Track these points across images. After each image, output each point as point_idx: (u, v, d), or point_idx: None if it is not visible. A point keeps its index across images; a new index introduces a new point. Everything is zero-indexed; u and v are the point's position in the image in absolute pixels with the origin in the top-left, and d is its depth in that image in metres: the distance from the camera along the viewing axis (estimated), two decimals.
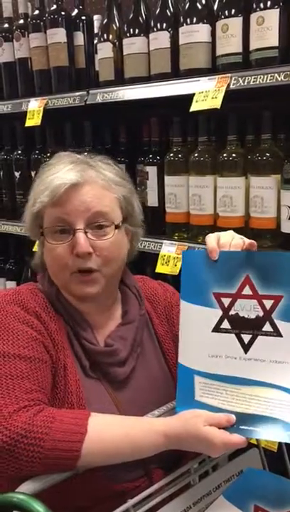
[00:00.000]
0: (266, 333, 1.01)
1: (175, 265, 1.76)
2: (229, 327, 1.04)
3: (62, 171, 1.12)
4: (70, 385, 1.08)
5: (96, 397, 1.11)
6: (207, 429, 0.95)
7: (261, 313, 1.02)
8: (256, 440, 1.20)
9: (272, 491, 1.05)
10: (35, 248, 2.27)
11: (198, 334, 1.06)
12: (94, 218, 1.11)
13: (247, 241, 1.08)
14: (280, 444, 1.35)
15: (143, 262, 2.05)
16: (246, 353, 1.02)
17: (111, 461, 0.99)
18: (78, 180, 1.10)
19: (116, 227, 1.14)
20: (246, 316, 1.03)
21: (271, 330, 1.01)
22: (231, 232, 1.12)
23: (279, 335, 1.01)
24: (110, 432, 0.98)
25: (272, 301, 1.01)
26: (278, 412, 0.98)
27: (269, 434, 0.98)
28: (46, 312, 1.13)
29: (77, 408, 1.07)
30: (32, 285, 1.21)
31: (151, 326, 1.27)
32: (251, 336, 1.02)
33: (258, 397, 1.00)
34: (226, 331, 1.04)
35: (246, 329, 1.03)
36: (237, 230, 1.66)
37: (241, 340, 1.03)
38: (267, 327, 1.01)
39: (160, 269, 1.80)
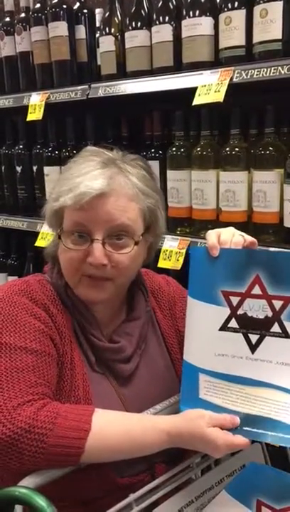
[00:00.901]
0: (275, 334, 1.00)
1: (178, 260, 1.75)
2: (237, 326, 1.02)
3: (89, 175, 1.07)
4: (77, 379, 1.08)
5: (102, 392, 1.11)
6: (210, 430, 0.95)
7: (270, 314, 1.00)
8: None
9: (274, 485, 1.05)
10: (38, 243, 2.26)
11: (205, 332, 1.05)
12: (115, 230, 1.08)
13: (248, 238, 1.07)
14: None
15: None
16: (253, 354, 1.01)
17: (114, 457, 0.99)
18: (104, 190, 1.05)
19: (136, 243, 1.10)
20: (254, 316, 1.01)
21: (280, 331, 0.99)
22: (231, 228, 1.10)
23: (288, 336, 0.99)
24: (113, 429, 0.98)
25: (282, 302, 0.99)
26: (283, 415, 0.97)
27: (272, 437, 0.97)
28: (54, 304, 1.12)
29: (84, 402, 1.06)
30: (40, 276, 1.20)
31: (155, 320, 1.27)
32: (258, 336, 1.01)
33: (263, 399, 0.99)
34: (233, 330, 1.03)
35: (254, 329, 1.01)
36: (240, 225, 1.67)
37: (248, 340, 1.01)
38: (276, 328, 1.00)
39: (162, 263, 1.80)
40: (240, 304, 1.02)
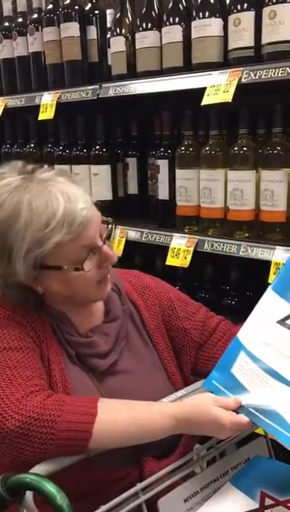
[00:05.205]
0: None
1: (185, 258, 1.77)
2: None
3: (73, 203, 1.06)
4: (54, 375, 1.10)
5: (82, 386, 1.12)
6: (217, 410, 0.98)
7: None
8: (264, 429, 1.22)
9: (279, 477, 1.07)
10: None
11: (265, 320, 1.11)
12: (100, 225, 1.14)
13: None
14: None
15: (154, 255, 2.07)
16: None
17: (121, 443, 1.01)
18: (87, 205, 1.08)
19: (116, 225, 1.18)
20: None
21: None
22: None
23: None
24: (120, 414, 1.00)
25: None
26: None
27: (270, 428, 0.99)
28: (25, 308, 1.14)
29: None
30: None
31: (139, 319, 1.27)
32: None
33: (284, 398, 1.00)
34: (289, 327, 1.08)
35: None
36: (247, 224, 1.69)
37: None
38: None
39: (170, 261, 1.82)
40: None
